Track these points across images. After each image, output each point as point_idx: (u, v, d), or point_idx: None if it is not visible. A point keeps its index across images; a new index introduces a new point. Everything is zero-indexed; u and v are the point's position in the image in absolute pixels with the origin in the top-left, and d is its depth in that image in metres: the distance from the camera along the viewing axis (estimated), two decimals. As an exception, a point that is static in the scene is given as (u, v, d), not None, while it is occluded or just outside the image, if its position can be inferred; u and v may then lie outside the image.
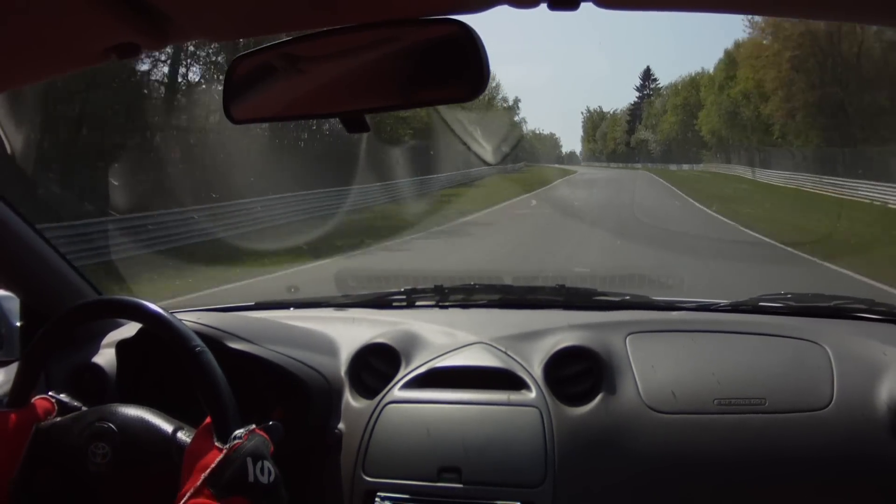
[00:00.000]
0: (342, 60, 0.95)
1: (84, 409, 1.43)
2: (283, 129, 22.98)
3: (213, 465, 1.15)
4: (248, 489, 1.16)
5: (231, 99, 1.05)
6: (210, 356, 1.29)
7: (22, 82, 1.22)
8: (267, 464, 1.20)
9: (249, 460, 1.18)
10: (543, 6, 0.84)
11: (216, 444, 1.20)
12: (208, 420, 1.25)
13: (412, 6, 0.89)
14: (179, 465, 1.21)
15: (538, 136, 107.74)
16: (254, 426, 1.24)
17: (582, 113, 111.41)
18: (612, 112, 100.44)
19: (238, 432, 1.21)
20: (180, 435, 1.30)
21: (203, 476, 1.14)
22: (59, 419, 1.39)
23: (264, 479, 1.18)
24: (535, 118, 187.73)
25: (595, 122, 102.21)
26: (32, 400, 1.39)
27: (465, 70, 0.91)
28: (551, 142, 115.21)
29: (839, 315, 1.98)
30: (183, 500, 1.13)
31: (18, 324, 1.90)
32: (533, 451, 1.53)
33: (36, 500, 1.32)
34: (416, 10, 0.89)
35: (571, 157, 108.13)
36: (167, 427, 1.31)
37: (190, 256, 11.69)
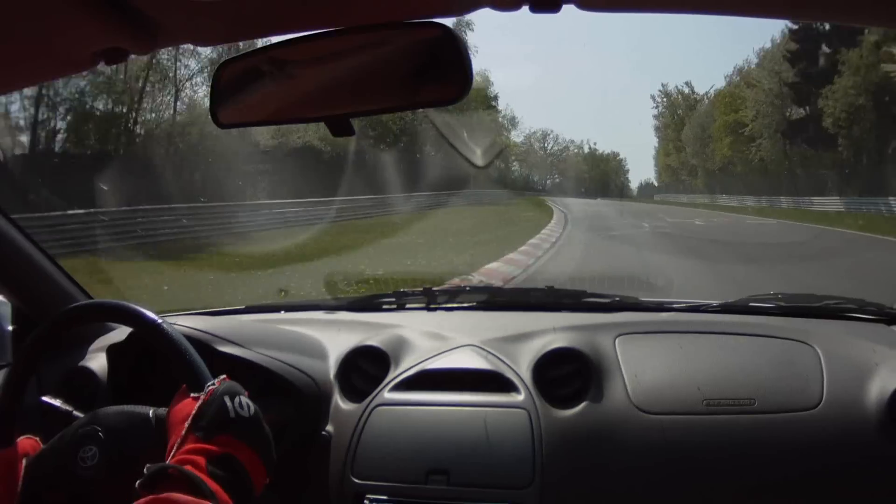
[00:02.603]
0: (327, 64, 0.96)
1: (76, 413, 1.43)
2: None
3: (193, 412, 1.17)
4: (231, 424, 1.17)
5: (218, 103, 1.06)
6: (169, 326, 1.32)
7: (8, 88, 1.23)
8: (244, 399, 1.21)
9: (227, 398, 1.19)
10: (525, 9, 0.85)
11: (192, 395, 1.21)
12: (183, 386, 1.26)
13: (395, 9, 0.90)
14: (167, 443, 1.22)
15: (592, 156, 74.00)
16: (224, 375, 1.25)
17: (654, 98, 64.51)
18: (711, 90, 54.50)
19: (210, 381, 1.23)
20: (159, 411, 1.31)
21: (186, 424, 1.16)
22: (45, 446, 1.37)
23: (245, 413, 1.20)
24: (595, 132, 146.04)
25: (679, 118, 58.64)
26: (17, 441, 1.37)
27: (449, 72, 0.92)
28: (612, 165, 77.08)
29: (829, 315, 1.98)
30: (172, 452, 1.13)
31: (10, 328, 1.90)
32: (521, 452, 1.54)
33: None
34: (399, 13, 0.90)
35: (647, 190, 73.04)
36: (146, 409, 1.32)
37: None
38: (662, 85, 73.58)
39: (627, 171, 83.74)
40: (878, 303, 2.00)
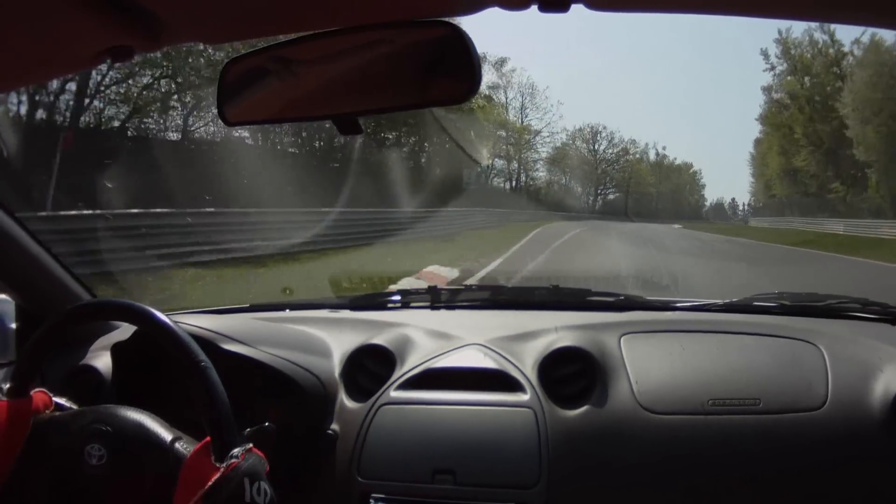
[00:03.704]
0: (335, 63, 0.96)
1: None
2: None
3: (209, 484, 1.15)
4: None
5: (225, 101, 1.06)
6: (214, 373, 1.27)
7: (15, 85, 1.23)
8: (263, 485, 1.19)
9: (246, 480, 1.17)
10: (534, 8, 0.84)
11: (214, 462, 1.18)
12: (207, 439, 1.23)
13: (403, 8, 0.89)
14: (176, 476, 1.20)
15: (660, 165, 56.78)
16: (251, 445, 1.22)
17: (766, 56, 42.49)
18: (862, 36, 33.50)
19: (235, 451, 1.19)
20: (178, 445, 1.28)
21: (200, 493, 1.14)
22: (57, 413, 1.39)
23: (260, 501, 1.18)
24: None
25: (817, 84, 36.81)
26: (31, 392, 1.39)
27: (458, 72, 0.92)
28: (685, 178, 59.98)
29: (833, 314, 1.98)
30: None
31: (14, 326, 1.90)
32: (527, 452, 1.53)
33: (30, 496, 1.32)
34: (407, 12, 0.90)
35: (718, 212, 57.15)
36: (165, 436, 1.30)
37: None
38: (780, 33, 40.13)
39: (703, 186, 64.73)
40: (882, 302, 2.00)
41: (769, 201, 46.92)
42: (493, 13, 0.87)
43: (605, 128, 55.49)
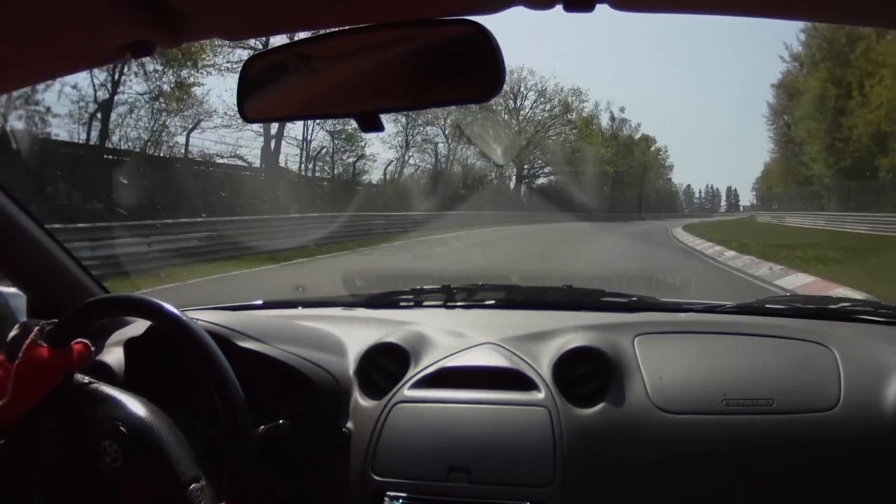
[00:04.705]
0: (357, 60, 0.95)
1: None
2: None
3: None
4: None
5: (244, 98, 1.06)
6: (235, 383, 1.27)
7: (37, 80, 1.24)
8: None
9: None
10: (559, 7, 0.84)
11: None
12: None
13: (427, 7, 0.89)
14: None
15: (617, 136, 41.88)
16: None
17: None
18: None
19: None
20: (193, 488, 1.28)
21: None
22: (92, 385, 1.41)
23: None
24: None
25: None
26: (71, 343, 1.40)
27: (481, 70, 0.91)
28: (649, 157, 45.86)
29: (845, 317, 1.98)
30: None
31: (25, 321, 1.90)
32: (542, 451, 1.53)
33: (36, 451, 1.35)
34: (431, 10, 0.89)
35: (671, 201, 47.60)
36: (183, 471, 1.30)
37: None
38: None
39: (670, 166, 50.30)
40: (894, 305, 1.99)
41: (837, 182, 28.78)
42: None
43: (533, 71, 39.88)
